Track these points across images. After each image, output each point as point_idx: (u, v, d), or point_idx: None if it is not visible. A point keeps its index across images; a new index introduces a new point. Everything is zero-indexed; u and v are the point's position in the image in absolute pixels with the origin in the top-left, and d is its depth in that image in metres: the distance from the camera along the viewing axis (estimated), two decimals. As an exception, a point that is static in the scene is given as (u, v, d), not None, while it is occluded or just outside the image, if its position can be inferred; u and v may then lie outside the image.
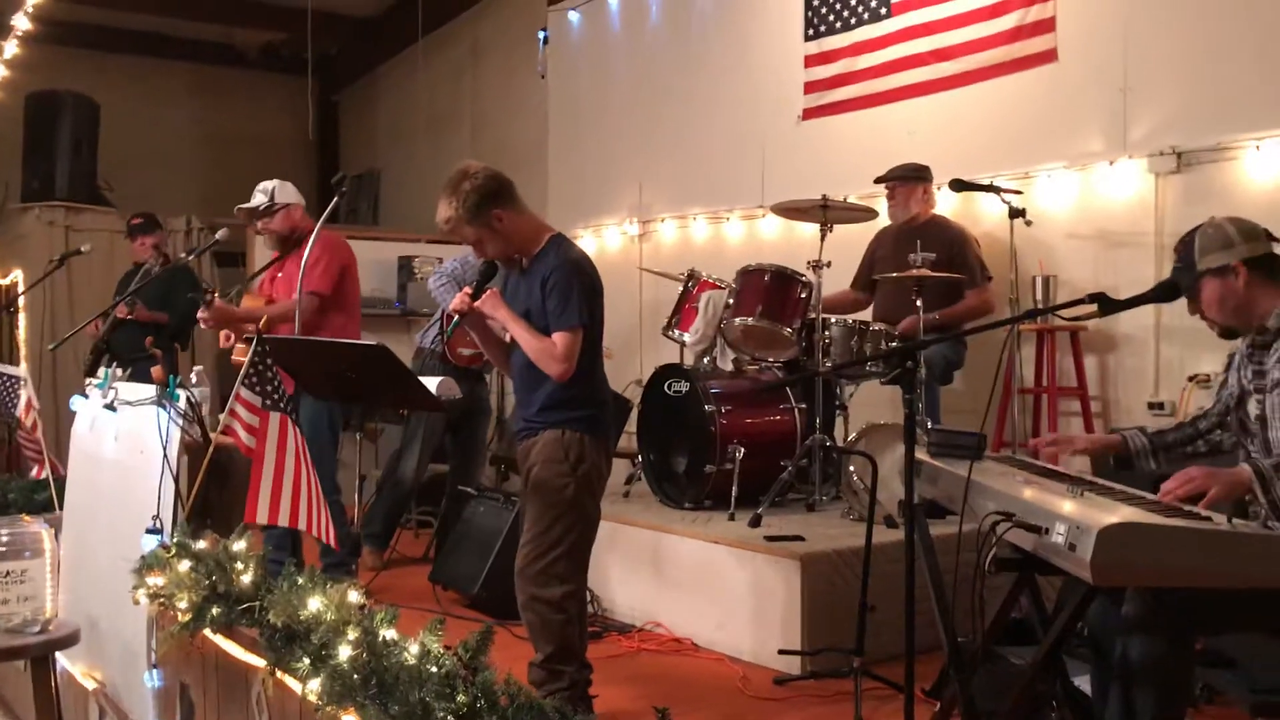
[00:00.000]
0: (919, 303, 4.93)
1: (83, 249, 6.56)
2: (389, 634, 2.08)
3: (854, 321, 5.18)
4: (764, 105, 6.98)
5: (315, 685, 2.13)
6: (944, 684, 3.54)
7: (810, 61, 6.68)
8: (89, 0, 9.85)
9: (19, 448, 4.83)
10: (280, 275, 5.19)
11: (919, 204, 5.57)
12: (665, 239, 7.78)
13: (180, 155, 11.51)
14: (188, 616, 2.77)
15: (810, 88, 6.68)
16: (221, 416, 3.19)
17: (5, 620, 3.09)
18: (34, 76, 9.03)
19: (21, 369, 4.70)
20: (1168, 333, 5.08)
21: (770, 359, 5.42)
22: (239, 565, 2.71)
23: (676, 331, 5.49)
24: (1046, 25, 5.51)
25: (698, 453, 5.14)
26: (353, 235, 8.80)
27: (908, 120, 6.14)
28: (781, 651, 4.17)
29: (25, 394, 4.49)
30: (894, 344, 5.07)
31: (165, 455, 3.24)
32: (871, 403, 5.90)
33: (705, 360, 5.48)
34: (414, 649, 1.96)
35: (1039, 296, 5.25)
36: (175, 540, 3.01)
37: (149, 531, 3.18)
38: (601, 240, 8.09)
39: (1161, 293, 2.93)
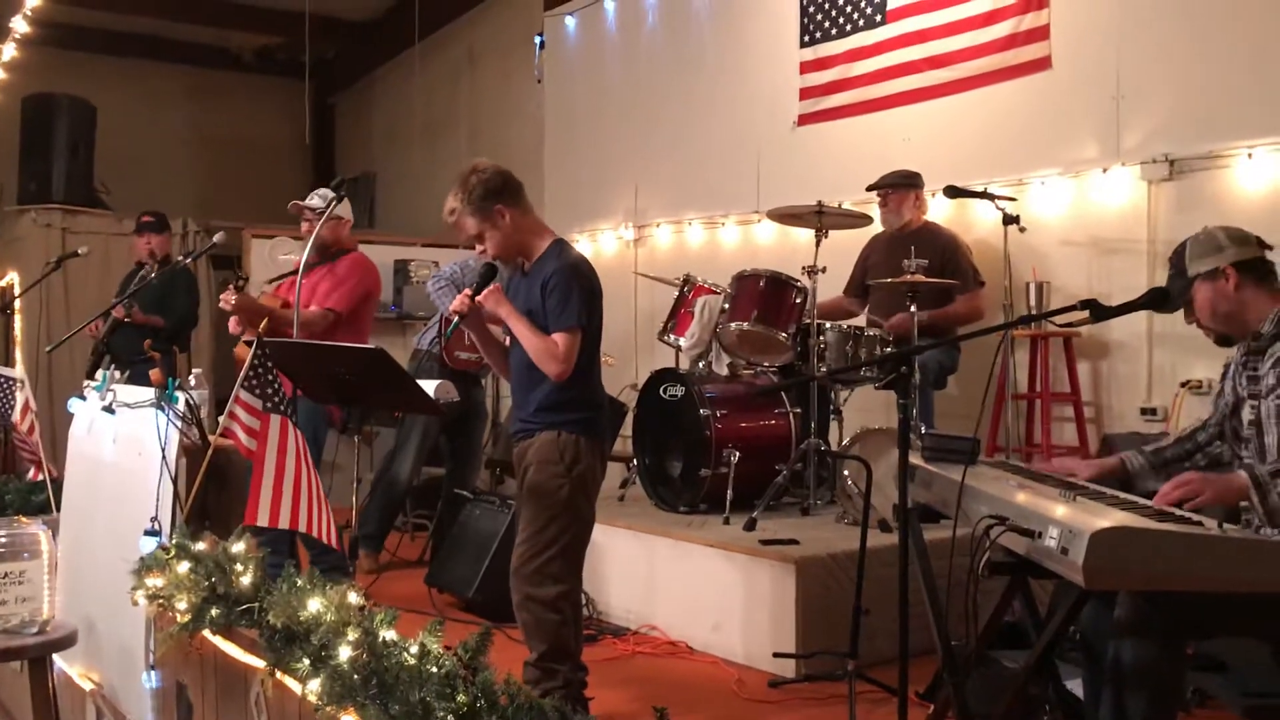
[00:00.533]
0: (913, 309, 4.97)
1: (80, 251, 6.55)
2: (389, 635, 2.09)
3: (849, 327, 5.21)
4: (759, 111, 7.01)
5: (315, 685, 2.15)
6: (937, 687, 3.56)
7: (805, 68, 6.72)
8: (86, 3, 9.85)
9: (16, 450, 4.84)
10: (304, 282, 5.20)
11: (911, 211, 5.61)
12: (660, 244, 7.80)
13: (177, 158, 11.53)
14: (187, 617, 2.78)
15: (805, 94, 6.71)
16: (220, 418, 3.21)
17: (3, 621, 3.10)
18: (30, 79, 9.04)
19: (18, 371, 4.70)
20: (1160, 339, 5.12)
21: (765, 364, 5.44)
22: (238, 566, 2.72)
23: (672, 336, 5.52)
24: (1040, 33, 5.55)
25: (693, 457, 5.16)
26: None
27: (902, 127, 6.17)
28: (776, 654, 4.19)
29: (22, 396, 4.49)
30: (888, 349, 5.09)
31: (164, 457, 3.25)
32: (866, 407, 5.92)
33: (700, 365, 5.50)
34: (414, 649, 1.98)
35: (1032, 302, 5.29)
36: (174, 542, 3.02)
37: (147, 533, 3.20)
38: (597, 245, 8.12)
39: (1153, 299, 2.96)
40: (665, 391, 5.35)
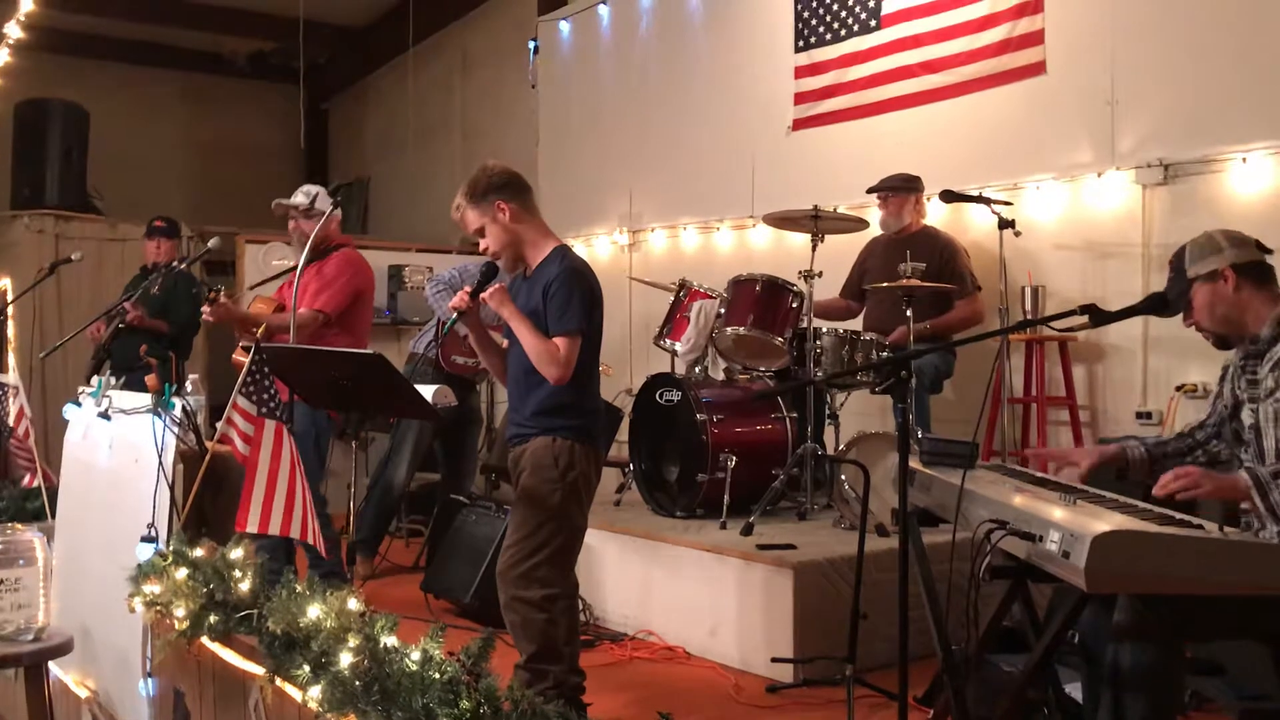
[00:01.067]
0: (909, 312, 4.97)
1: (73, 257, 6.52)
2: (390, 641, 2.09)
3: (845, 331, 5.21)
4: (754, 116, 7.02)
5: (316, 693, 2.14)
6: (936, 692, 3.57)
7: (800, 73, 6.72)
8: (79, 9, 9.83)
9: (11, 456, 4.82)
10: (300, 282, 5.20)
11: (911, 214, 5.63)
12: (655, 249, 7.81)
13: (170, 163, 11.51)
14: (185, 624, 2.78)
15: (800, 99, 6.72)
16: (218, 424, 3.20)
17: (-1, 629, 3.10)
18: (24, 84, 9.01)
19: (12, 377, 4.69)
20: (1155, 343, 5.13)
21: (762, 368, 5.44)
22: (237, 573, 2.72)
23: (668, 341, 5.51)
24: (1035, 38, 5.56)
25: (689, 461, 5.16)
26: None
27: (897, 131, 6.18)
28: (774, 659, 4.19)
29: (17, 402, 4.48)
30: (885, 354, 5.10)
31: (161, 463, 3.24)
32: (862, 412, 5.93)
33: (697, 369, 5.50)
34: (415, 655, 1.97)
35: (1028, 307, 5.29)
36: (172, 548, 3.01)
37: (144, 539, 3.19)
38: (592, 250, 8.12)
39: (1151, 305, 2.96)
40: (661, 396, 5.35)
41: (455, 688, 1.83)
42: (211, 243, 5.34)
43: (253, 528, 3.13)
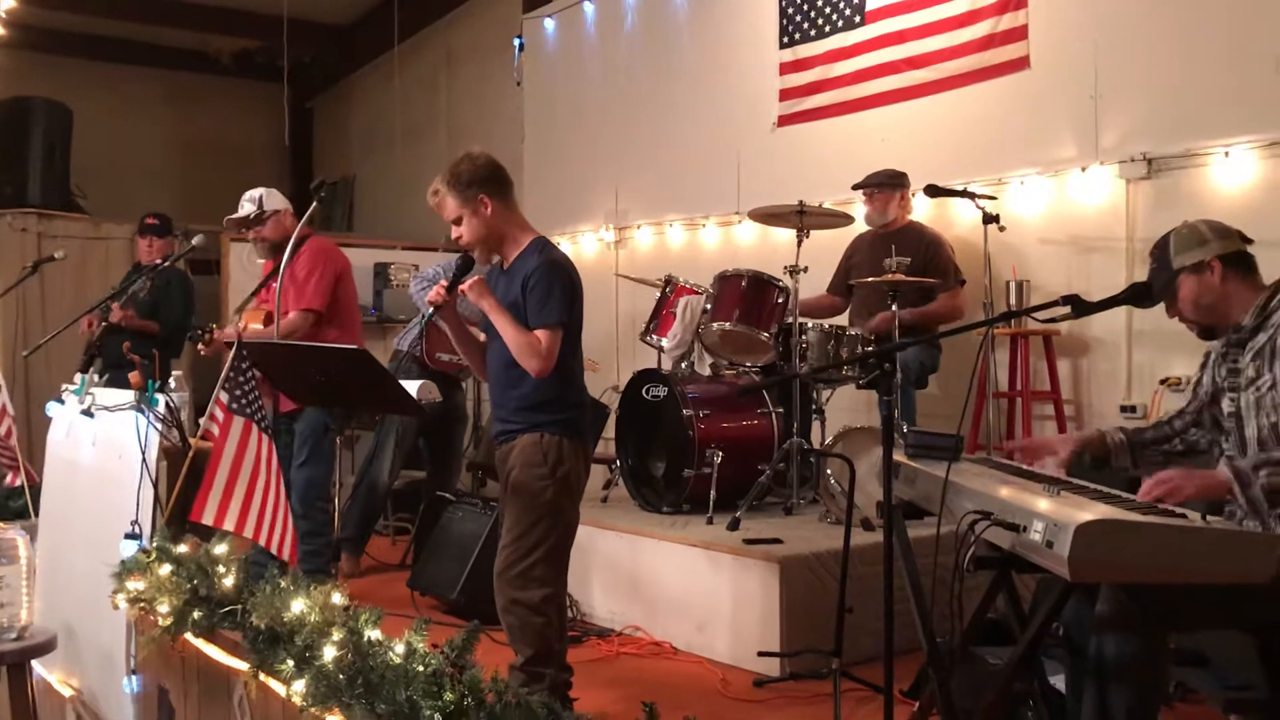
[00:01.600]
0: (894, 307, 4.99)
1: (56, 255, 6.49)
2: (374, 634, 2.09)
3: (830, 326, 5.22)
4: (739, 112, 7.02)
5: (300, 686, 2.14)
6: (922, 684, 3.57)
7: (785, 69, 6.73)
8: (62, 6, 9.78)
9: (-7, 455, 4.79)
10: (273, 287, 5.15)
11: (896, 210, 5.63)
12: (641, 245, 7.80)
13: (154, 161, 11.46)
14: (169, 620, 2.77)
15: (785, 95, 6.73)
16: (201, 420, 3.19)
17: (-19, 627, 3.08)
18: (6, 83, 8.98)
19: (-5, 375, 4.67)
20: (1139, 336, 5.15)
21: (748, 363, 5.45)
22: (220, 569, 2.71)
23: (654, 337, 5.51)
24: (1019, 33, 5.58)
25: (676, 457, 5.16)
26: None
27: (882, 127, 6.19)
28: (761, 654, 4.19)
29: (-1, 400, 4.46)
30: (870, 348, 5.11)
31: (144, 460, 3.23)
32: (848, 406, 5.94)
33: (683, 365, 5.50)
34: (399, 648, 1.97)
35: (1012, 301, 5.31)
36: (155, 545, 3.00)
37: (128, 536, 3.18)
38: (578, 246, 8.11)
39: (1133, 295, 2.97)
40: (648, 392, 5.35)
41: (439, 680, 1.83)
42: (195, 240, 5.33)
43: (208, 520, 3.09)
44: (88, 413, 3.64)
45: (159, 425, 3.29)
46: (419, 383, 4.74)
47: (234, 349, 3.25)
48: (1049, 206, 5.53)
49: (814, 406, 5.38)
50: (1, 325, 8.30)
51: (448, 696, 1.77)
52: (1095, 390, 5.38)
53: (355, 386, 3.67)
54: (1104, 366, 5.34)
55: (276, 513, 3.16)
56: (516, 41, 8.85)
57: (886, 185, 5.62)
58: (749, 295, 5.19)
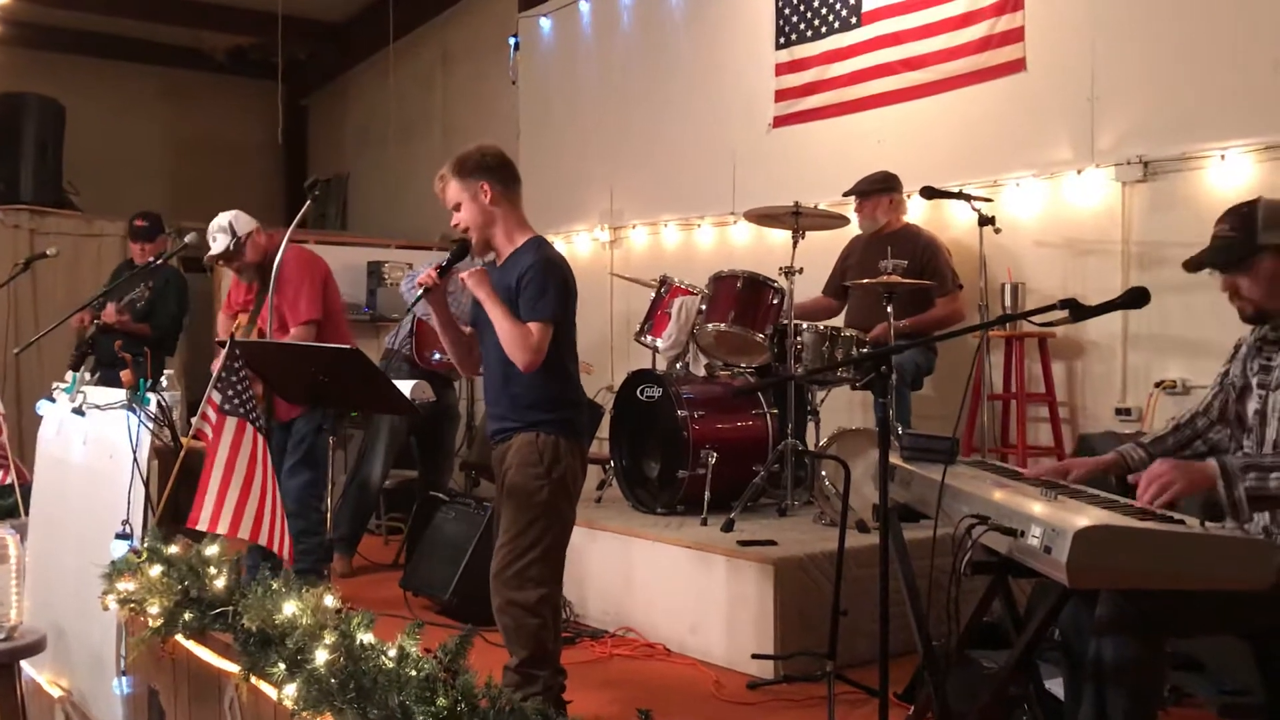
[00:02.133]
0: (889, 309, 4.97)
1: (48, 252, 6.46)
2: (366, 638, 2.07)
3: (825, 327, 5.21)
4: (735, 112, 7.01)
5: (291, 690, 2.12)
6: (917, 688, 3.56)
7: (781, 70, 6.72)
8: (55, 2, 9.74)
9: (-16, 453, 4.76)
10: (264, 309, 5.11)
11: (886, 214, 5.61)
12: (636, 245, 7.79)
13: (148, 159, 11.42)
14: (159, 622, 2.75)
15: (781, 95, 6.71)
16: (193, 420, 3.17)
17: (-30, 627, 3.06)
18: (-1, 78, 8.95)
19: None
20: (1135, 340, 5.14)
21: (743, 364, 5.43)
22: (212, 570, 2.69)
23: (649, 337, 5.50)
24: (1015, 35, 5.57)
25: (670, 458, 5.14)
26: (321, 240, 8.77)
27: (878, 129, 6.18)
28: (755, 656, 4.18)
29: (-10, 399, 4.43)
30: (865, 350, 5.10)
31: (135, 459, 3.21)
32: (843, 408, 5.93)
33: (678, 366, 5.48)
34: (392, 653, 1.95)
35: (1008, 304, 5.30)
36: (146, 545, 2.98)
37: (119, 536, 3.16)
38: (572, 246, 8.09)
39: (1132, 299, 2.94)
40: (642, 393, 5.33)
41: (432, 685, 1.81)
42: (188, 237, 5.30)
43: (203, 526, 3.08)
44: (79, 411, 3.62)
45: (150, 424, 3.26)
46: (413, 382, 4.72)
47: (226, 348, 3.23)
48: (1045, 209, 5.52)
49: (809, 408, 5.36)
50: (-8, 322, 8.27)
51: (440, 702, 1.76)
52: (1090, 393, 5.37)
53: (350, 386, 3.65)
54: (1099, 369, 5.33)
55: (274, 512, 3.16)
56: (512, 40, 8.84)
57: (872, 191, 5.61)
58: (744, 296, 5.17)
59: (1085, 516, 2.27)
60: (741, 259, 6.27)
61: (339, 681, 1.96)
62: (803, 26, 6.60)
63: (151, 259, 6.50)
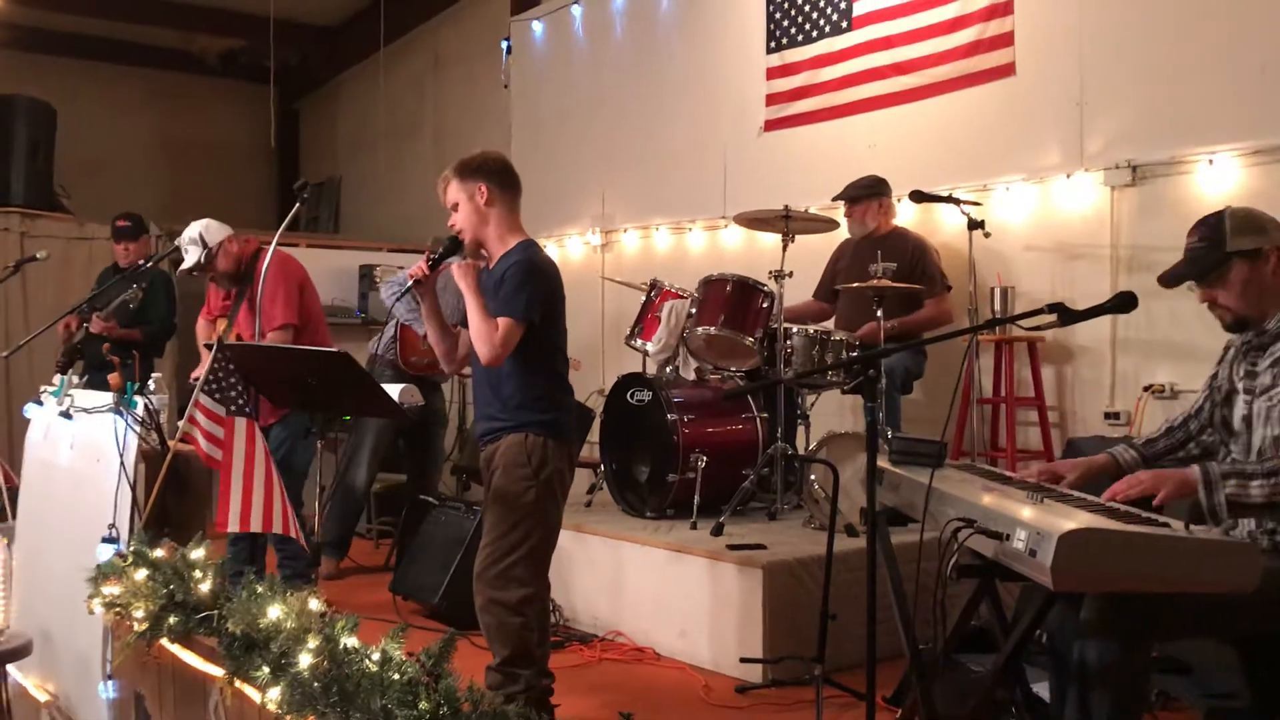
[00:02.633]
0: (879, 313, 4.98)
1: (38, 255, 6.44)
2: (350, 641, 2.06)
3: (815, 331, 5.21)
4: (726, 116, 7.01)
5: (275, 694, 2.12)
6: (905, 691, 3.56)
7: (772, 74, 6.72)
8: (47, 5, 9.72)
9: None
10: (242, 314, 5.10)
11: (876, 218, 5.62)
12: (627, 249, 7.79)
13: (139, 161, 11.40)
14: (144, 625, 2.74)
15: (771, 100, 6.72)
16: (180, 423, 3.16)
17: (-44, 631, 3.05)
18: (-11, 81, 8.92)
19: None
20: (1123, 344, 5.15)
21: (732, 368, 5.43)
22: (197, 574, 2.69)
23: (639, 341, 5.50)
24: (1005, 40, 5.58)
25: (660, 461, 5.14)
26: (313, 243, 8.76)
27: (868, 133, 6.19)
28: (743, 660, 4.18)
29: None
30: (855, 354, 5.10)
31: (122, 463, 3.20)
32: (832, 412, 5.93)
33: (668, 369, 5.48)
34: (375, 656, 1.95)
35: (997, 307, 5.31)
36: (132, 549, 2.97)
37: (105, 540, 3.15)
38: (564, 250, 8.10)
39: (1119, 303, 2.94)
40: (632, 396, 5.33)
41: (414, 689, 1.80)
42: (178, 241, 5.28)
43: (234, 527, 3.13)
44: (66, 415, 3.60)
45: (137, 428, 3.25)
46: (401, 386, 4.72)
47: (213, 351, 3.22)
48: (1034, 213, 5.53)
49: (799, 412, 5.37)
50: (-18, 325, 8.24)
51: (423, 705, 1.75)
52: (1079, 397, 5.38)
53: (336, 389, 3.65)
54: (1088, 373, 5.34)
55: (284, 498, 3.23)
56: (504, 44, 8.83)
57: (862, 196, 5.61)
58: (734, 300, 5.18)
59: (1070, 520, 2.28)
60: (732, 263, 6.28)
61: (322, 685, 1.96)
62: (793, 30, 6.61)
63: (141, 261, 6.49)
